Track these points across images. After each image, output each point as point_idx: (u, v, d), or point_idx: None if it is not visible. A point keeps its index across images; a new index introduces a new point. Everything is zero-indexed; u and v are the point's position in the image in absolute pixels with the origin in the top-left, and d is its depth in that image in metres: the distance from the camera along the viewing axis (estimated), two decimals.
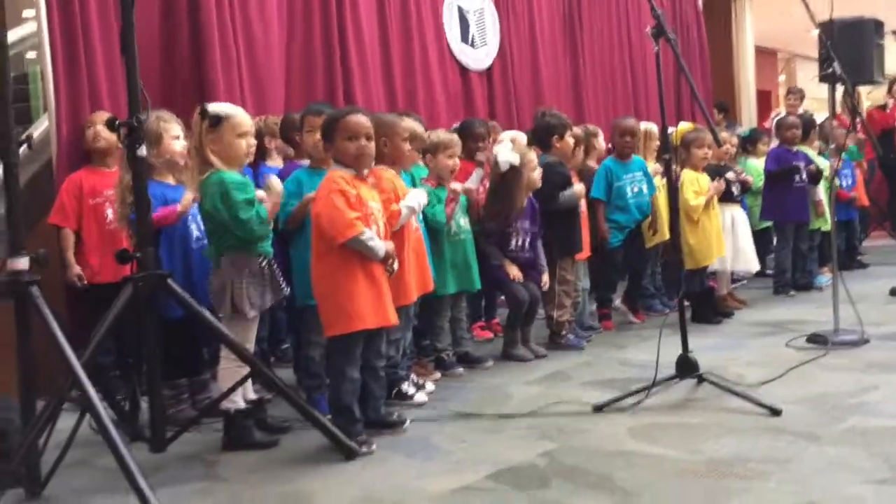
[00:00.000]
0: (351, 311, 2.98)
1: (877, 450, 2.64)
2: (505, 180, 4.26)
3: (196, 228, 3.45)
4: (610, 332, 5.05)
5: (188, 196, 3.31)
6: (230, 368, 3.08)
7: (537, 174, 4.37)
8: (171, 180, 3.51)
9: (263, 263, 3.15)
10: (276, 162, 4.39)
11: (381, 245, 3.03)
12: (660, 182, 5.26)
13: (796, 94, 9.20)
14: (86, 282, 3.92)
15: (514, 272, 4.29)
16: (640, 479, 2.53)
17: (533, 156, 4.40)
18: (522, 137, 4.73)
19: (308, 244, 3.20)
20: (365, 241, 2.96)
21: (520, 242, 4.37)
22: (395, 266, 3.14)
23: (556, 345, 4.60)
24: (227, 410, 3.12)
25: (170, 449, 2.93)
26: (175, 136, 3.49)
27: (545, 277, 4.50)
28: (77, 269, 3.92)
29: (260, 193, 3.19)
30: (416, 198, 3.42)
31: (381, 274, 3.07)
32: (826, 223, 6.07)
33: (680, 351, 3.45)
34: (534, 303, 4.43)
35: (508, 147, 4.28)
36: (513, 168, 4.22)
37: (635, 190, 5.13)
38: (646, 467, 2.63)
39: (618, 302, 5.45)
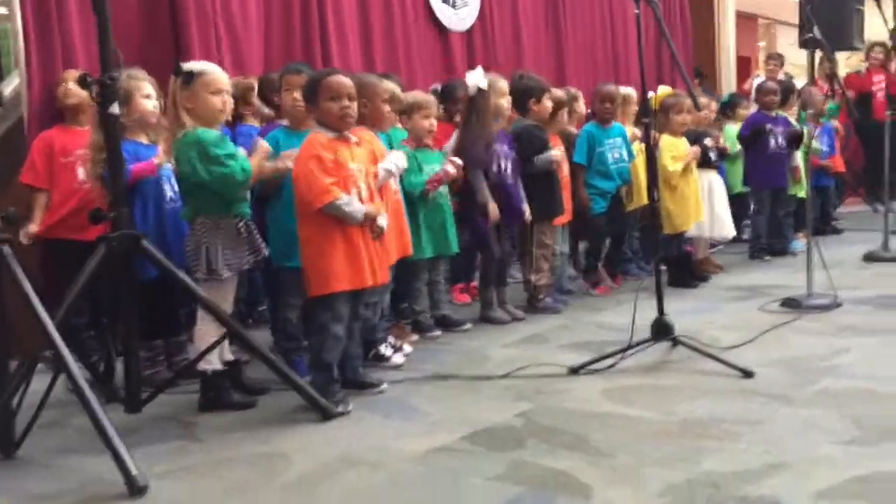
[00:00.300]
0: (328, 273, 2.99)
1: (847, 411, 2.68)
2: (474, 104, 4.25)
3: (170, 189, 3.41)
4: (608, 294, 5.06)
5: (164, 150, 3.27)
6: (207, 330, 3.08)
7: (505, 101, 4.36)
8: (144, 139, 3.46)
9: (240, 224, 3.13)
10: (252, 123, 4.36)
11: (360, 209, 3.01)
12: (638, 147, 5.26)
13: (776, 59, 9.21)
14: (29, 241, 3.84)
15: (494, 212, 4.26)
16: (615, 440, 2.55)
17: (504, 84, 4.39)
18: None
19: (284, 207, 3.18)
20: (340, 206, 2.95)
21: (503, 167, 4.35)
22: (383, 224, 3.13)
23: (535, 308, 4.63)
24: (203, 372, 3.11)
25: (146, 410, 2.93)
26: (146, 95, 3.42)
27: (525, 207, 4.49)
28: (31, 229, 3.85)
29: (242, 151, 3.17)
30: (395, 160, 3.39)
31: (362, 236, 3.06)
32: (802, 189, 6.11)
33: (656, 314, 3.47)
34: (504, 259, 4.45)
35: (479, 73, 4.30)
36: (481, 92, 4.22)
37: (616, 156, 5.12)
38: (620, 428, 2.66)
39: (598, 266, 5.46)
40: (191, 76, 3.04)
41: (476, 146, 4.23)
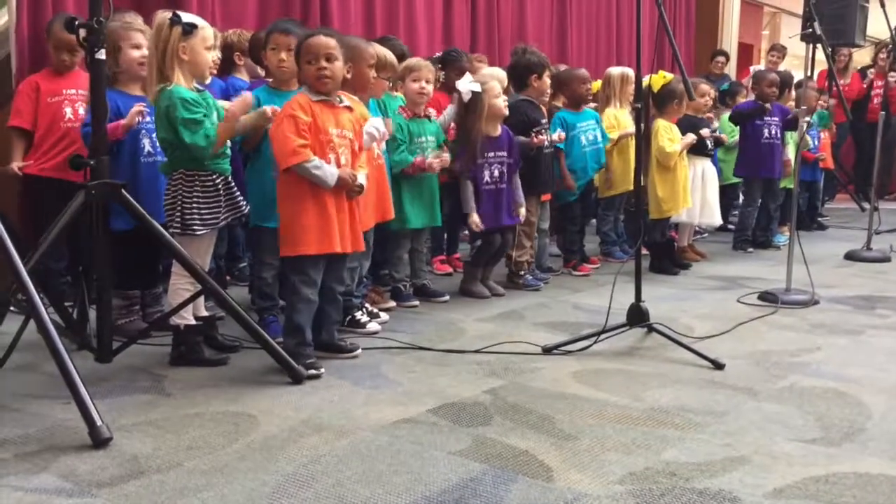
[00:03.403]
0: (296, 235, 3.00)
1: (810, 409, 2.71)
2: (469, 110, 4.22)
3: (148, 143, 3.38)
4: (589, 274, 5.09)
5: (135, 109, 3.23)
6: (181, 284, 3.07)
7: (501, 101, 4.30)
8: (136, 90, 3.40)
9: (218, 181, 3.10)
10: (243, 76, 4.32)
11: (331, 174, 2.98)
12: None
13: (779, 51, 9.16)
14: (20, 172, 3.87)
15: (475, 223, 4.24)
16: (580, 423, 2.57)
17: (495, 84, 4.33)
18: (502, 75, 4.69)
19: (263, 166, 3.17)
20: (309, 168, 2.94)
21: (495, 174, 4.29)
22: (362, 181, 3.10)
23: (514, 284, 4.63)
24: (176, 326, 3.11)
25: (118, 361, 2.93)
26: (135, 45, 3.36)
27: (522, 210, 4.47)
28: (17, 164, 3.87)
29: (224, 103, 3.14)
30: (373, 125, 3.35)
31: (335, 202, 3.04)
32: (792, 183, 6.11)
33: (633, 299, 3.48)
34: (503, 247, 4.43)
35: (468, 78, 4.27)
36: (475, 96, 4.19)
37: (591, 137, 5.07)
38: (587, 411, 2.68)
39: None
40: (193, 28, 3.01)
41: (465, 154, 4.20)
